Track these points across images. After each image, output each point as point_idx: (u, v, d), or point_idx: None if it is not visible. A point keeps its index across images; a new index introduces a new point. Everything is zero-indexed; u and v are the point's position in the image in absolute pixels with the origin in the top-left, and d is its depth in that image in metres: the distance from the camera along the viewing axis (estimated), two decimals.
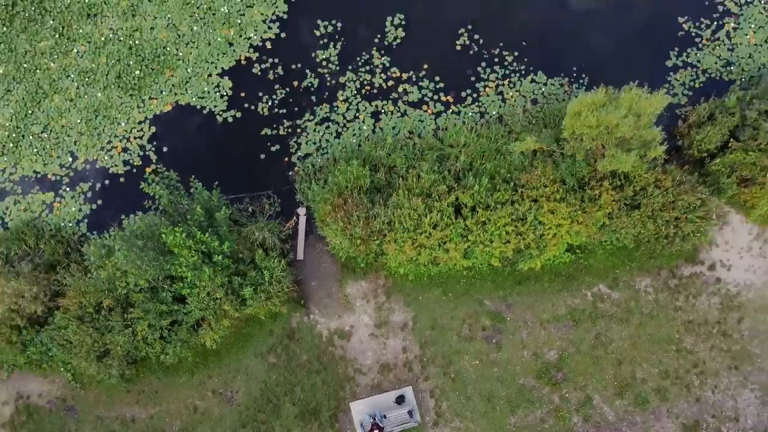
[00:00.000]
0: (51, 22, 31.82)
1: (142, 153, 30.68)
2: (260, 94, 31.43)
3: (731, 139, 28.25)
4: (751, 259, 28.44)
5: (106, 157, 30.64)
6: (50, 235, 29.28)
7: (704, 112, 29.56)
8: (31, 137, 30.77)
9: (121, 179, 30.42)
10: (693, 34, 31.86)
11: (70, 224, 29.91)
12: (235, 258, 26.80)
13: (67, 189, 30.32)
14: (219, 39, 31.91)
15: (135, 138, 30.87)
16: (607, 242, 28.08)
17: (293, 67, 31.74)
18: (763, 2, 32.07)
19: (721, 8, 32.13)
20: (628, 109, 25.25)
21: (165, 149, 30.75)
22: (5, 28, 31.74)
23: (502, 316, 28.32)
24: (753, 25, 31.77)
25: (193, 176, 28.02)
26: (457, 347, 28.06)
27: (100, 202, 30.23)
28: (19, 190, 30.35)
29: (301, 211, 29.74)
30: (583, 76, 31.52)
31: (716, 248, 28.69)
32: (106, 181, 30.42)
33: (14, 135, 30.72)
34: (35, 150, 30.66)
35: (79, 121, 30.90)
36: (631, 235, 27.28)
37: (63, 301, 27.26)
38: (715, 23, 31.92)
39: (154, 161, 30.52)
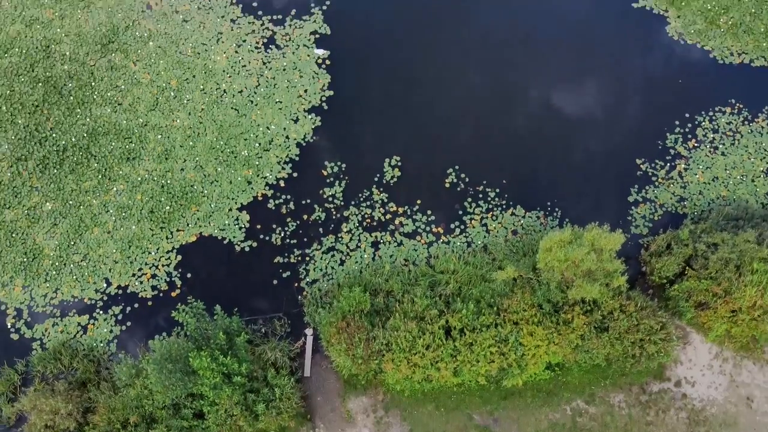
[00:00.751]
0: (95, 165, 36.93)
1: (168, 279, 34.68)
2: (274, 226, 35.90)
3: (687, 268, 32.27)
4: (712, 376, 31.60)
5: (136, 283, 34.60)
6: (83, 354, 32.66)
7: (662, 243, 33.81)
8: (71, 265, 34.91)
9: (149, 303, 34.21)
10: (650, 173, 36.81)
11: (102, 344, 33.35)
12: (250, 376, 30.03)
13: (101, 312, 34.04)
14: (239, 178, 36.87)
15: (163, 265, 34.99)
16: (581, 361, 31.34)
17: (303, 202, 36.46)
18: (708, 147, 37.27)
19: (672, 151, 37.32)
20: (590, 246, 29.49)
21: (189, 275, 34.79)
22: (55, 170, 36.80)
23: (490, 430, 31.08)
24: (701, 166, 36.78)
25: (217, 305, 31.75)
26: None
27: (129, 323, 33.85)
28: (58, 313, 34.06)
29: (309, 332, 33.28)
30: (557, 209, 36.12)
31: (681, 366, 31.92)
32: (136, 305, 34.20)
33: (57, 263, 34.89)
34: (74, 277, 34.69)
35: (114, 250, 35.19)
36: (602, 355, 30.62)
37: (93, 417, 30.25)
38: (668, 164, 36.97)
39: (179, 286, 34.47)
